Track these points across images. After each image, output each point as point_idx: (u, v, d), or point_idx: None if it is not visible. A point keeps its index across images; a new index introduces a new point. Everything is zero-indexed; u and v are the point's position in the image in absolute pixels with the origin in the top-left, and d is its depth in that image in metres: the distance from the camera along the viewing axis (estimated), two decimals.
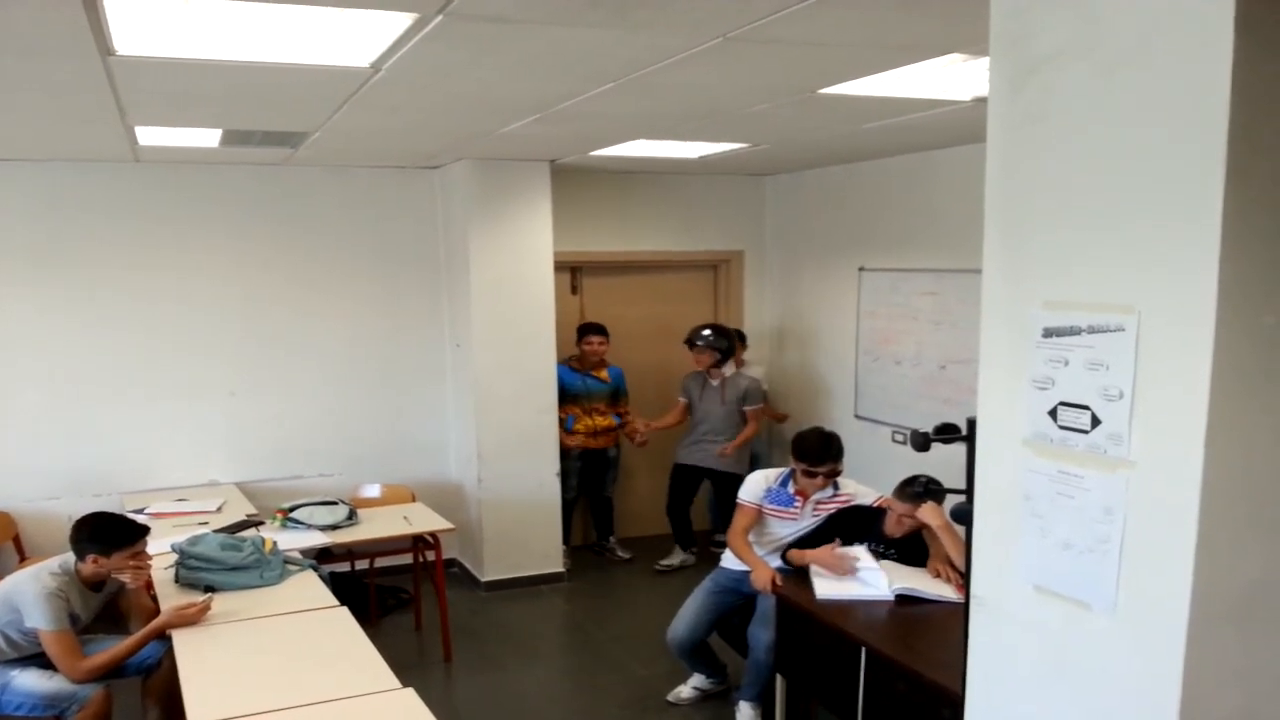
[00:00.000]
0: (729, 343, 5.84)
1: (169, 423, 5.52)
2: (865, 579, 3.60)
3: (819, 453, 3.94)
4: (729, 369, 5.81)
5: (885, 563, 3.71)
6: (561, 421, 5.95)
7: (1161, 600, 1.48)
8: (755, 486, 4.08)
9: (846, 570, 3.64)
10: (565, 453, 5.99)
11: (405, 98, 3.43)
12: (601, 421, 6.07)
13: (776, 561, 3.94)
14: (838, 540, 3.79)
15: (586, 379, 6.03)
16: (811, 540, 3.90)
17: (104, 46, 2.63)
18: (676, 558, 6.13)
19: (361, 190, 5.79)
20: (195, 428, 5.58)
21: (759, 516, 4.05)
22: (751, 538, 4.05)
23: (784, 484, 4.06)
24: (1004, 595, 1.80)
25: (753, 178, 6.65)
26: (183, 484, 5.47)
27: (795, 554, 3.84)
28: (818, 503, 4.00)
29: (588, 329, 6.05)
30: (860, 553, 3.68)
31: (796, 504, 4.01)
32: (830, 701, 3.52)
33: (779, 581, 3.74)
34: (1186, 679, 1.46)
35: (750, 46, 2.67)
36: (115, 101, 3.44)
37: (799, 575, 3.78)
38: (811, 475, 3.95)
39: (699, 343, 5.81)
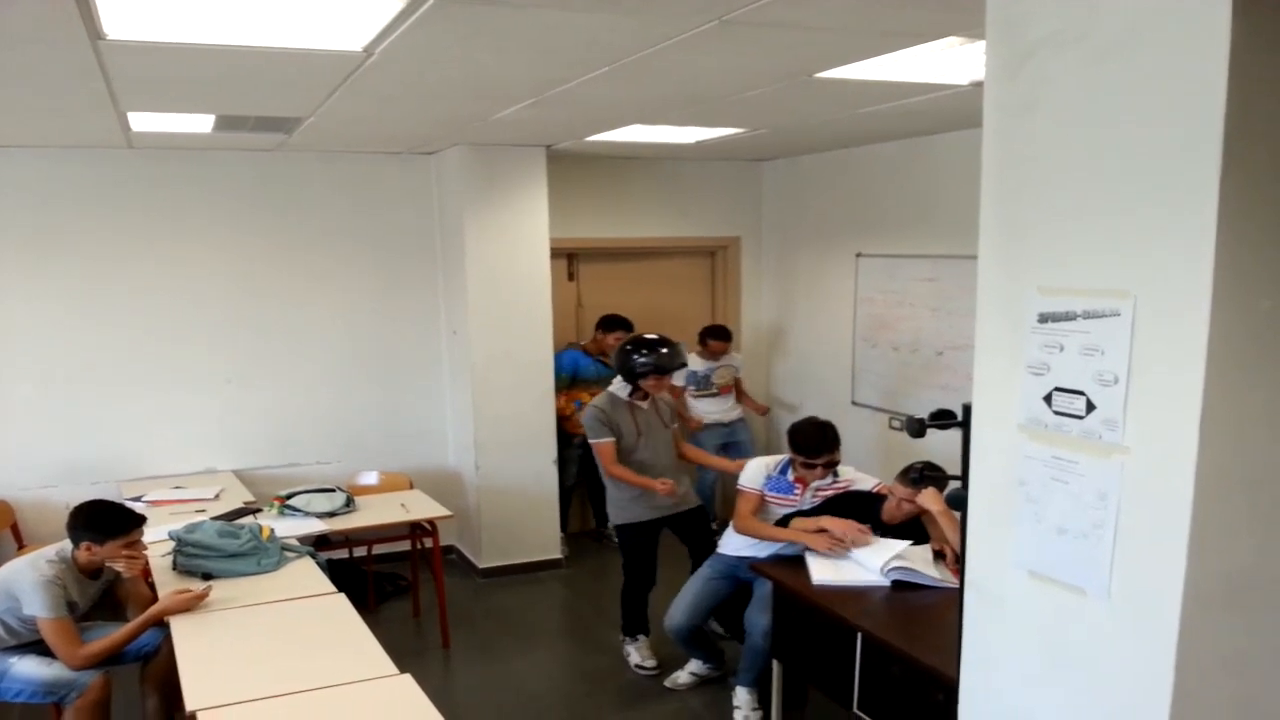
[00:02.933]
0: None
1: (166, 410, 5.51)
2: (860, 556, 3.60)
3: (816, 444, 3.94)
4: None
5: (884, 540, 3.70)
6: (568, 406, 5.95)
7: (1155, 585, 1.48)
8: (756, 473, 4.08)
9: (849, 540, 3.62)
10: (568, 439, 5.99)
11: (398, 82, 3.41)
12: None
13: (766, 551, 3.94)
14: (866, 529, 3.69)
15: (598, 364, 6.02)
16: (805, 517, 3.90)
17: (93, 31, 2.61)
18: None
19: (357, 176, 5.77)
20: (192, 415, 5.57)
21: (762, 503, 4.05)
22: None
23: (783, 471, 4.06)
24: (998, 580, 1.80)
25: (750, 163, 6.63)
26: (180, 472, 5.47)
27: (806, 521, 3.79)
28: (817, 489, 4.01)
29: (616, 324, 5.95)
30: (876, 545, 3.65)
31: (796, 491, 4.02)
32: (826, 686, 3.53)
33: (837, 534, 3.62)
34: (1179, 664, 1.46)
35: (746, 30, 2.65)
36: (106, 87, 3.42)
37: (796, 562, 3.79)
38: (810, 467, 3.95)
39: (676, 366, 4.51)
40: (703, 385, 6.17)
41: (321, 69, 3.19)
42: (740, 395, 6.38)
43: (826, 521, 3.71)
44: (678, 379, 5.69)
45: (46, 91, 3.49)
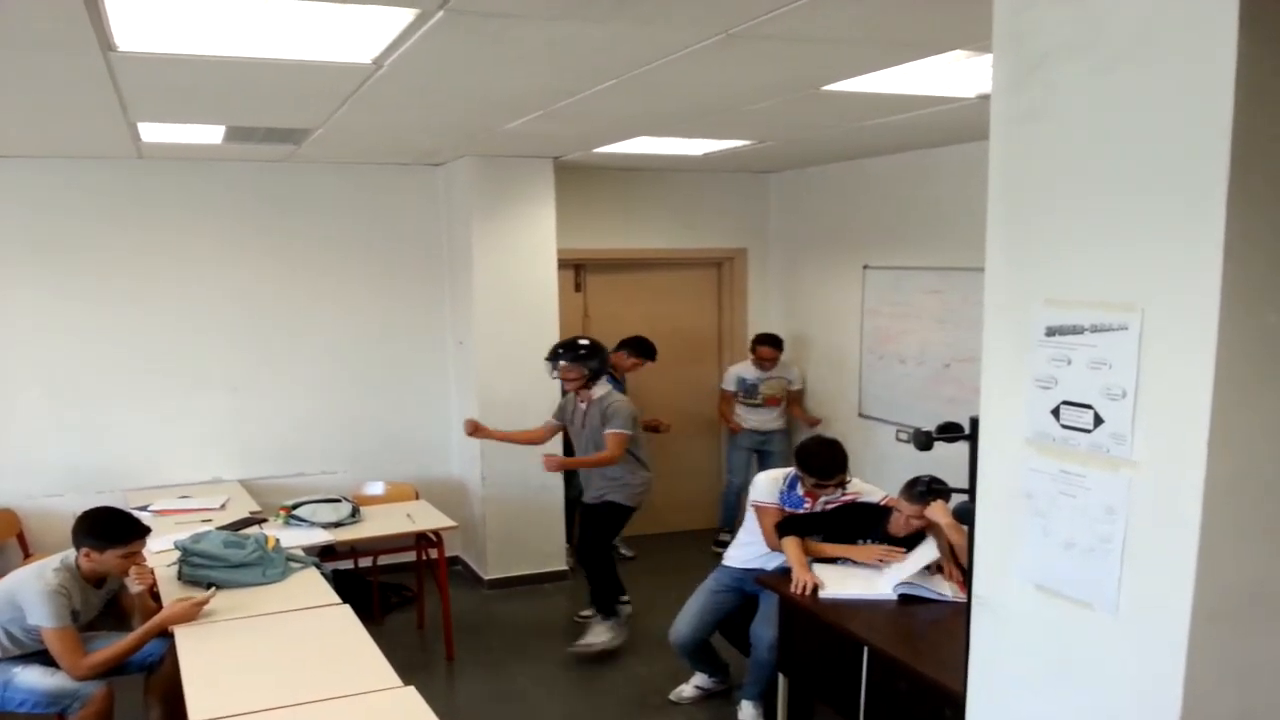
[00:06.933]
0: (598, 360, 4.88)
1: (173, 419, 5.53)
2: (869, 577, 3.60)
3: (827, 467, 3.90)
4: (598, 389, 4.88)
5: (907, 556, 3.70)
6: None
7: (1163, 600, 1.47)
8: (769, 488, 4.06)
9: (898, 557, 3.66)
10: (571, 450, 5.98)
11: (408, 94, 3.42)
12: None
13: (773, 563, 3.93)
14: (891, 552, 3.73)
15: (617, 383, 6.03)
16: (811, 524, 3.88)
17: (105, 42, 2.63)
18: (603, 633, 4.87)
19: (365, 187, 5.79)
20: (199, 425, 5.59)
21: (781, 516, 4.02)
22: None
23: (792, 486, 4.04)
24: (1006, 595, 1.79)
25: (756, 175, 6.64)
26: (186, 481, 5.48)
27: (825, 548, 3.78)
28: (826, 503, 3.99)
29: (645, 352, 5.98)
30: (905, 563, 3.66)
31: (806, 504, 4.00)
32: (832, 701, 3.51)
33: (810, 589, 3.58)
34: (1188, 679, 1.45)
35: (753, 43, 2.66)
36: (117, 98, 3.44)
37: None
38: (822, 487, 3.93)
39: (560, 361, 4.89)
40: (750, 394, 6.23)
41: (331, 81, 3.21)
42: (792, 406, 6.36)
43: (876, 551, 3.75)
44: (728, 383, 6.36)
45: (57, 102, 3.51)
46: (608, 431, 4.75)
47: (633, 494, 4.85)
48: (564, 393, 5.15)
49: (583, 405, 4.90)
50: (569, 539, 6.08)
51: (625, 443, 4.75)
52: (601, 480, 4.87)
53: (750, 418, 6.26)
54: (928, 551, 3.61)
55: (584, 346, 4.89)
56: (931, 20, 2.48)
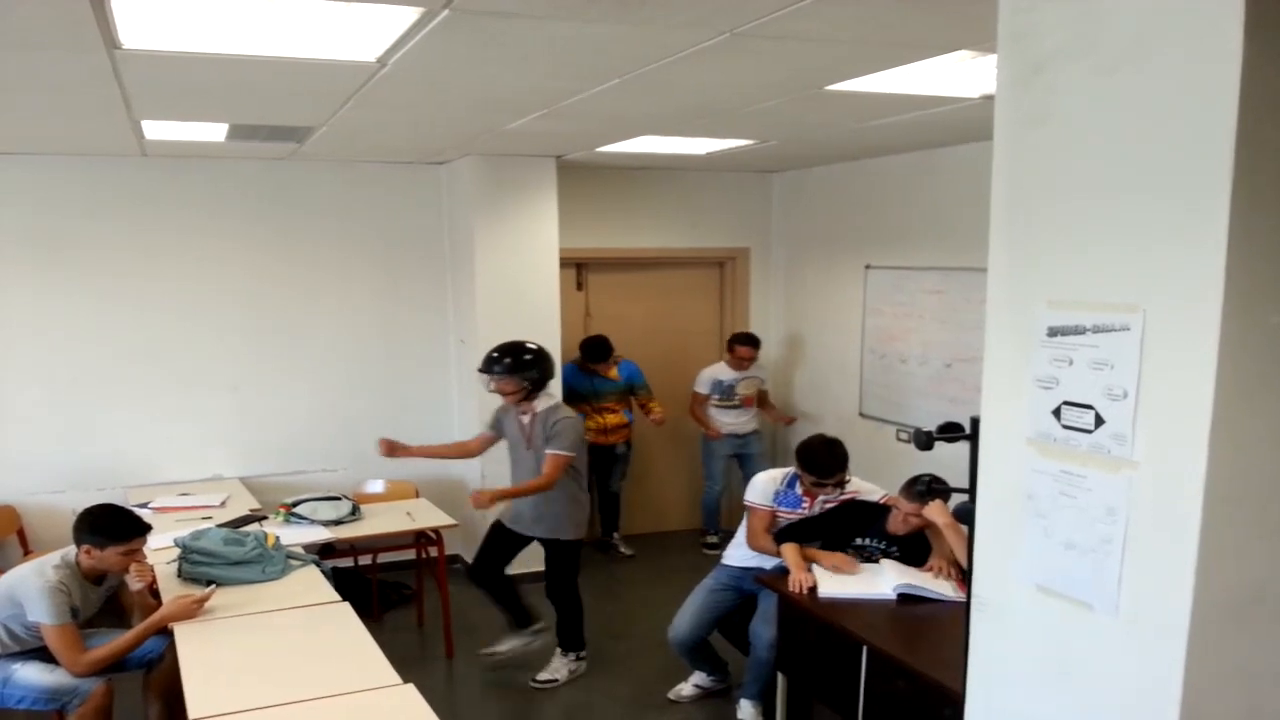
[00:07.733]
0: (539, 370, 4.41)
1: (173, 417, 5.53)
2: (867, 577, 3.60)
3: (828, 465, 3.90)
4: (541, 401, 4.42)
5: (887, 562, 3.71)
6: None
7: (1164, 601, 1.47)
8: (764, 489, 4.06)
9: (853, 569, 3.66)
10: None
11: (411, 93, 3.43)
12: (612, 419, 6.08)
13: (772, 562, 3.93)
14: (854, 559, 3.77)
15: (594, 379, 6.03)
16: (809, 527, 3.89)
17: (110, 40, 2.63)
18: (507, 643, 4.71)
19: (367, 185, 5.80)
20: (199, 422, 5.59)
21: (773, 519, 4.03)
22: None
23: (790, 485, 4.05)
24: (1006, 595, 1.79)
25: (759, 174, 6.64)
26: (186, 478, 5.49)
27: (812, 553, 3.79)
28: (825, 502, 4.00)
29: (599, 355, 5.97)
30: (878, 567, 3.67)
31: (804, 505, 4.01)
32: (831, 700, 3.51)
33: (807, 587, 3.60)
34: (1188, 680, 1.45)
35: (757, 42, 2.66)
36: (121, 96, 3.44)
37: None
38: (821, 486, 3.93)
39: (494, 371, 4.38)
40: (726, 395, 6.19)
41: (335, 79, 3.21)
42: (764, 406, 6.37)
43: (822, 556, 3.74)
44: (701, 386, 6.16)
45: (61, 99, 3.51)
46: (548, 452, 4.27)
47: (576, 526, 4.49)
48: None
49: (524, 418, 4.40)
50: None
51: (565, 466, 4.29)
52: (537, 508, 4.41)
53: (727, 420, 6.22)
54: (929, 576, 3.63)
55: (529, 352, 4.38)
56: (936, 20, 2.48)
